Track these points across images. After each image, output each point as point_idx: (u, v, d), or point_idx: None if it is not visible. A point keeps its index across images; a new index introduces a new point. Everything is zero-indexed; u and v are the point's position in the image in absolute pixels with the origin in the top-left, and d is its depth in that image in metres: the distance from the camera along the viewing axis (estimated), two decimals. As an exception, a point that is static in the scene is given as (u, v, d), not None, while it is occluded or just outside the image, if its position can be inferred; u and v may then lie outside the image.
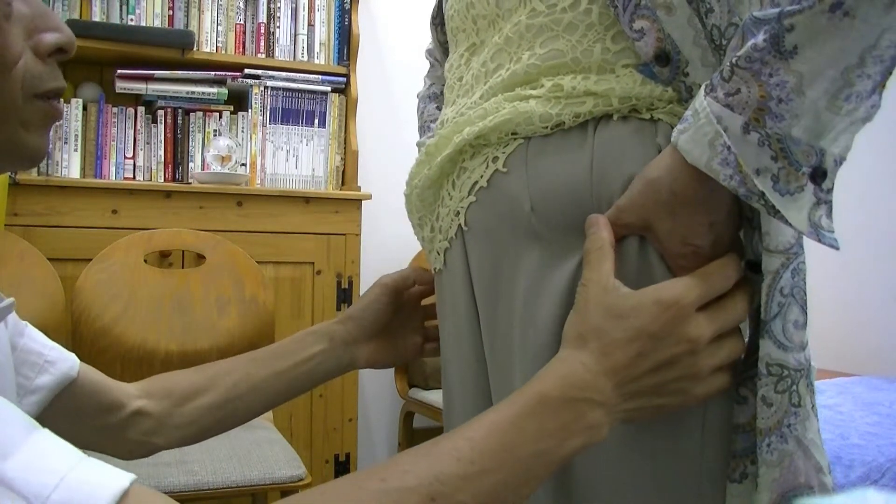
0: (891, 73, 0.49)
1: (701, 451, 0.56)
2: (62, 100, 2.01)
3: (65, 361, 0.69)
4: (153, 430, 0.72)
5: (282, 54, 2.18)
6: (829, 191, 0.51)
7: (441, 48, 0.86)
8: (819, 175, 0.50)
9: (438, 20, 0.84)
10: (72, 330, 1.68)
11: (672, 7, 0.55)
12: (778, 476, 0.54)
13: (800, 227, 0.50)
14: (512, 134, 0.62)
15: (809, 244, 0.54)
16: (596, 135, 0.59)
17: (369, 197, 2.14)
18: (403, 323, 0.83)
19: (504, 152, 0.63)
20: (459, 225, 0.68)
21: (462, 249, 0.69)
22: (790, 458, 0.54)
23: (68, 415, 0.68)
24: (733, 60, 0.50)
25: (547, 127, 0.60)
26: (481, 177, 0.64)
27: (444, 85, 0.91)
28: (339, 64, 2.23)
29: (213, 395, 0.74)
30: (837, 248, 0.51)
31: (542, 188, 0.60)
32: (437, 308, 0.76)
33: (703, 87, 0.52)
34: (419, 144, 0.88)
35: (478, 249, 0.67)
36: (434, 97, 0.90)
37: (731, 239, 0.56)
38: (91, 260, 1.73)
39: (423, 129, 0.90)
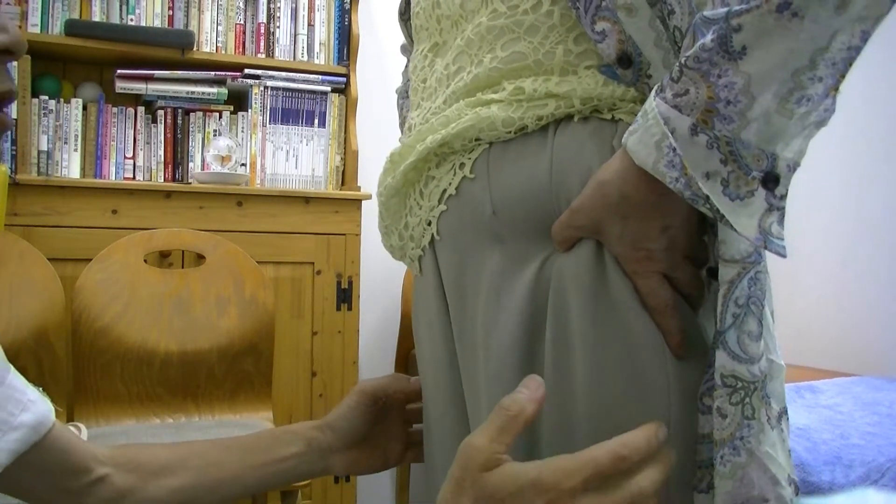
0: (844, 77, 0.48)
1: None
2: (62, 100, 1.98)
3: (43, 403, 0.67)
4: (113, 500, 0.69)
5: (282, 54, 2.17)
6: (783, 197, 0.50)
7: (413, 44, 0.86)
8: (771, 181, 0.49)
9: (406, 16, 0.84)
10: (72, 330, 1.68)
11: (633, 9, 0.55)
12: (731, 488, 0.53)
13: (746, 234, 0.49)
14: (476, 140, 0.62)
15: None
16: (556, 136, 0.58)
17: (369, 197, 2.14)
18: (385, 430, 0.80)
19: (470, 158, 0.62)
20: (432, 234, 0.67)
21: (433, 258, 0.69)
22: (743, 469, 0.53)
23: (33, 471, 0.66)
24: (682, 61, 0.49)
25: (510, 131, 0.60)
26: (450, 184, 0.64)
27: None
28: (339, 64, 2.23)
29: (182, 478, 0.72)
30: (784, 256, 0.49)
31: (504, 191, 0.60)
32: (412, 312, 0.76)
33: (655, 88, 0.52)
34: (401, 141, 0.88)
35: (447, 256, 0.67)
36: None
37: (687, 245, 0.55)
38: (91, 260, 1.73)
39: (405, 124, 0.90)
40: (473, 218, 0.63)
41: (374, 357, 2.43)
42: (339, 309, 2.08)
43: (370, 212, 2.18)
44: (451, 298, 0.68)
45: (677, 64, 0.50)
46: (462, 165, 0.63)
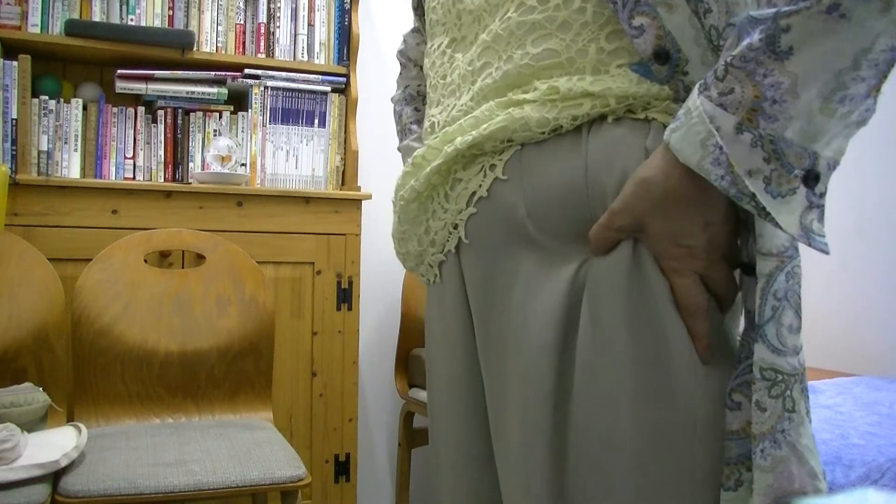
0: (886, 78, 0.49)
1: (692, 458, 0.55)
2: (62, 100, 1.95)
3: None
4: None
5: (282, 54, 2.17)
6: (822, 195, 0.51)
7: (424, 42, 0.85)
8: (812, 179, 0.50)
9: (420, 11, 0.83)
10: (72, 330, 1.68)
11: (673, 5, 0.55)
12: (772, 482, 0.53)
13: (790, 230, 0.49)
14: (507, 141, 0.61)
15: (809, 247, 0.54)
16: (590, 137, 0.58)
17: (369, 197, 2.14)
18: None
19: (501, 159, 0.62)
20: (459, 238, 0.66)
21: (457, 262, 0.68)
22: (784, 463, 0.53)
23: None
24: (728, 60, 0.49)
25: (544, 132, 0.59)
26: (480, 186, 0.63)
27: (419, 85, 0.90)
28: (339, 64, 2.23)
29: None
30: (828, 253, 0.50)
31: (538, 193, 0.60)
32: (426, 319, 0.75)
33: (696, 85, 0.52)
34: (401, 149, 0.87)
35: (473, 260, 0.66)
36: (410, 99, 0.89)
37: (727, 241, 0.55)
38: (91, 260, 1.73)
39: (404, 132, 0.88)
40: (505, 220, 0.62)
41: (374, 357, 2.43)
42: (339, 309, 2.08)
43: (370, 212, 2.18)
44: (475, 303, 0.66)
45: (722, 62, 0.50)
46: (493, 167, 0.62)
